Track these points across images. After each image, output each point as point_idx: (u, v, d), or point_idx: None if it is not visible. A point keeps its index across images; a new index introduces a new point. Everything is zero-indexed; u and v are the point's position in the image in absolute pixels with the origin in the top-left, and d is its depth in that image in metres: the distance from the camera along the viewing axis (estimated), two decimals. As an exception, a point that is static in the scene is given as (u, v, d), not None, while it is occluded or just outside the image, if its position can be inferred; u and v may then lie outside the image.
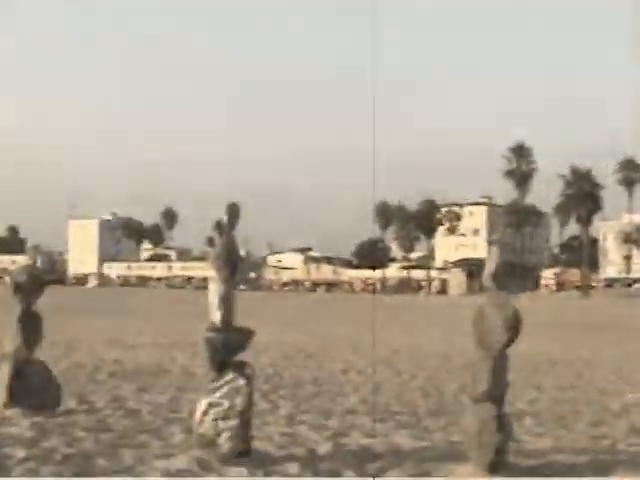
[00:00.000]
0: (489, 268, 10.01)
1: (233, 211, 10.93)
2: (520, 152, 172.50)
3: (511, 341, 9.80)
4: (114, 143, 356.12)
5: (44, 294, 14.11)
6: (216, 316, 10.40)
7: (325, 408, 15.14)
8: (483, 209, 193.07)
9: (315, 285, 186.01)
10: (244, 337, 10.50)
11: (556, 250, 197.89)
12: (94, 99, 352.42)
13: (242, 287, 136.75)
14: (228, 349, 10.34)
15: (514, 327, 9.72)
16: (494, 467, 9.67)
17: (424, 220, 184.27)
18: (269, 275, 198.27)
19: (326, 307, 78.71)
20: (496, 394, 9.84)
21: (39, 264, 15.44)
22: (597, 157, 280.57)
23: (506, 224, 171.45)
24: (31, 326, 13.74)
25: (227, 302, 10.43)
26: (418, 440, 12.21)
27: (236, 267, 10.61)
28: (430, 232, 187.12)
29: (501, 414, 9.83)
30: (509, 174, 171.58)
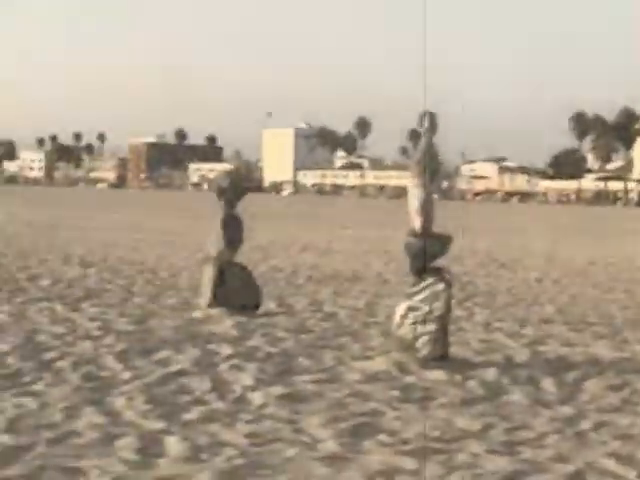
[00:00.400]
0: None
1: (432, 118, 10.93)
2: None
3: None
4: (306, 46, 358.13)
5: (243, 201, 14.47)
6: (416, 222, 10.47)
7: (520, 316, 15.08)
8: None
9: (509, 195, 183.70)
10: (443, 243, 10.55)
11: None
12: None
13: (435, 196, 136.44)
14: (428, 254, 10.41)
15: None
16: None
17: (622, 130, 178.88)
18: (462, 184, 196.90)
19: (520, 217, 77.80)
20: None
21: (241, 170, 15.83)
22: None
23: None
24: (233, 229, 14.12)
25: (427, 208, 10.47)
26: (617, 351, 12.05)
27: (436, 174, 10.64)
28: (628, 142, 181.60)
29: None
30: None
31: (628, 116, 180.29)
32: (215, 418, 8.02)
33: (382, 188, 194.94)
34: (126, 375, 9.50)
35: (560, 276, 22.76)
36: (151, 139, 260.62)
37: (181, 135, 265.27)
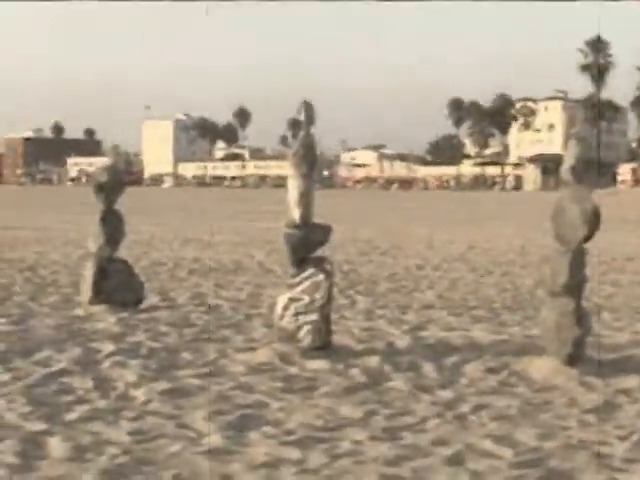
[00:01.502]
0: (569, 162, 9.97)
1: (309, 109, 10.99)
2: (596, 46, 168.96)
3: (590, 235, 9.80)
4: (185, 43, 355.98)
5: (123, 195, 14.36)
6: (295, 213, 10.54)
7: (402, 303, 15.29)
8: (558, 104, 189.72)
9: (389, 182, 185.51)
10: (323, 233, 10.64)
11: (634, 145, 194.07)
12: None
13: (316, 185, 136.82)
14: (308, 245, 10.50)
15: (593, 221, 9.71)
16: (572, 360, 9.76)
17: (498, 116, 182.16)
18: (342, 172, 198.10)
19: (400, 204, 78.66)
20: (575, 288, 9.89)
21: (119, 164, 15.65)
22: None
23: (583, 119, 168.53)
24: (113, 225, 14.01)
25: (306, 199, 10.55)
26: (495, 334, 12.31)
27: (315, 164, 10.72)
28: (504, 128, 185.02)
29: (579, 308, 9.89)
30: (585, 68, 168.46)
31: (503, 102, 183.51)
32: (98, 417, 7.96)
33: (263, 178, 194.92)
34: (5, 377, 9.35)
35: (440, 262, 23.11)
36: (28, 134, 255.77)
37: (58, 129, 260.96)
